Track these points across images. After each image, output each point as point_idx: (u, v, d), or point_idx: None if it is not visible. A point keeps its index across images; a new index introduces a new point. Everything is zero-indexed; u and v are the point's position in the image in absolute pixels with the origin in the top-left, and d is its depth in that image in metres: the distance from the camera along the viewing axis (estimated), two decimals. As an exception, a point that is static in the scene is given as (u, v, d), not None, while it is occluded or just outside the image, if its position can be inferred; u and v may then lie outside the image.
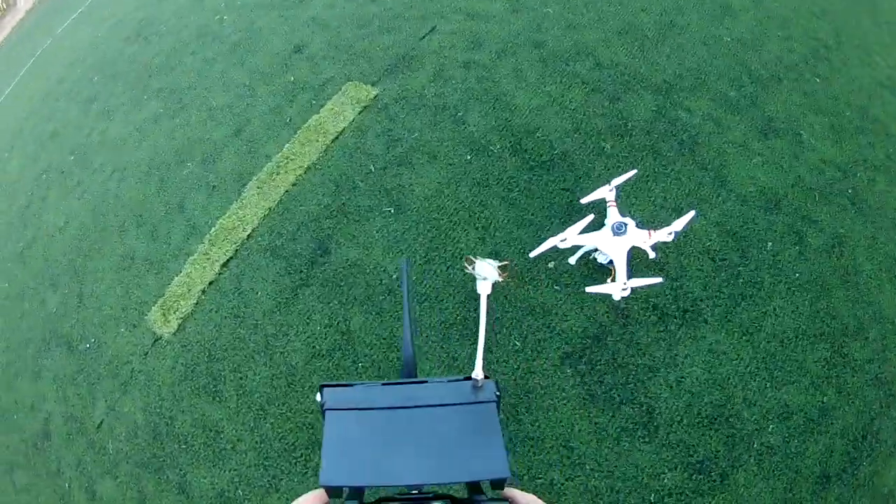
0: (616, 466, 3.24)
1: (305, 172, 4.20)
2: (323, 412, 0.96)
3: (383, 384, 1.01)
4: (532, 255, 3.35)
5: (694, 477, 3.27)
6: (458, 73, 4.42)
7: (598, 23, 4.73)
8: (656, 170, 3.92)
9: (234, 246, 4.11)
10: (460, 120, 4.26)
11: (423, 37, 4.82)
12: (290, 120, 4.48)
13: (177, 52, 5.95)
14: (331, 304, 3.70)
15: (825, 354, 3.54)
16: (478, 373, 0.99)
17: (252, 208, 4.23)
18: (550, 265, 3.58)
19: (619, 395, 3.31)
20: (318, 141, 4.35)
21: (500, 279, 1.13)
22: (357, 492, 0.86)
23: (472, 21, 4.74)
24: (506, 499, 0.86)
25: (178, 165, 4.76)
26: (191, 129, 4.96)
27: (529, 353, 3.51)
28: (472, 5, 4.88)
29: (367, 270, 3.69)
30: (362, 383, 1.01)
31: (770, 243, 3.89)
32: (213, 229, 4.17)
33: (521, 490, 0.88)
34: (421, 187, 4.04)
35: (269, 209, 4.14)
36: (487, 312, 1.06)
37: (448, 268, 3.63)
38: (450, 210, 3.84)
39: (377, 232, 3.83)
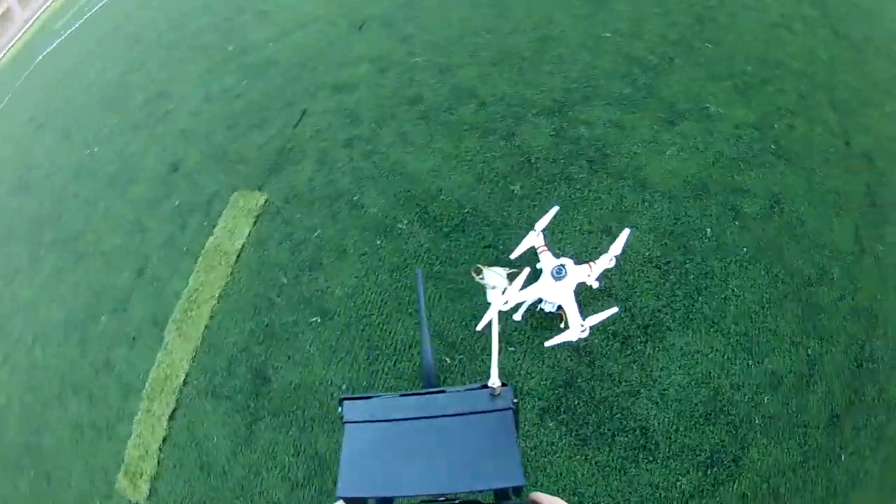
0: (631, 493, 3.27)
1: (219, 302, 4.06)
2: (343, 424, 0.94)
3: (402, 395, 1.00)
4: (479, 327, 3.36)
5: (709, 472, 3.32)
6: (342, 154, 4.38)
7: (471, 59, 4.71)
8: (573, 196, 3.96)
9: (173, 397, 3.96)
10: (358, 204, 4.18)
11: (296, 124, 4.70)
12: (186, 249, 4.35)
13: (59, 198, 5.81)
14: (290, 432, 3.63)
15: (796, 312, 3.66)
16: (494, 381, 0.97)
17: (177, 353, 4.07)
18: (497, 329, 2.82)
19: (609, 429, 3.35)
20: (221, 264, 4.19)
21: (509, 284, 1.17)
22: (385, 501, 0.85)
23: (340, 94, 4.71)
24: (532, 502, 0.85)
25: (93, 321, 4.57)
26: (93, 279, 4.81)
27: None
28: (336, 76, 4.85)
29: (315, 388, 3.65)
30: (381, 395, 1.00)
31: (708, 229, 3.91)
32: (146, 383, 4.05)
33: (547, 494, 0.87)
34: (340, 287, 3.91)
35: (195, 349, 4.00)
36: (498, 321, 1.02)
37: (395, 362, 3.64)
38: (377, 303, 3.82)
39: (310, 346, 3.75)
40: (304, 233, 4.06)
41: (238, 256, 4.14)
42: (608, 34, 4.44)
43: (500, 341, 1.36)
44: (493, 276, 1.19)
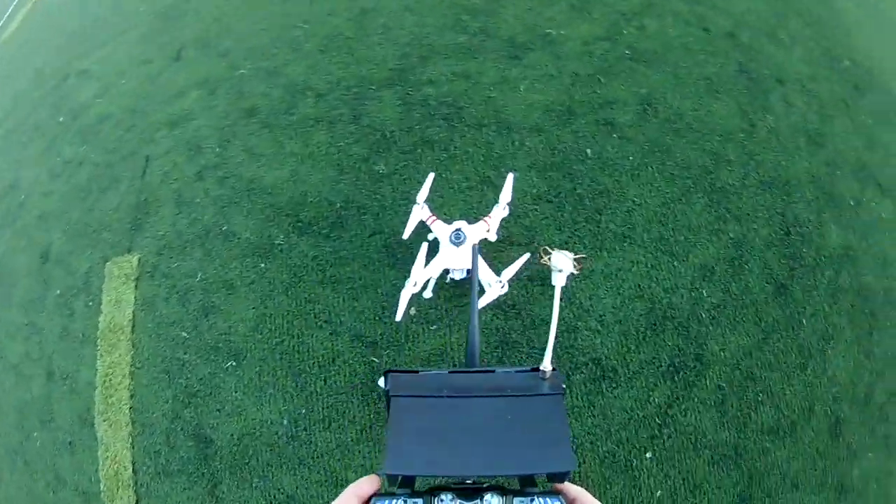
0: (609, 424, 3.18)
1: (132, 379, 3.71)
2: (388, 398, 0.92)
3: (450, 371, 0.96)
4: (398, 319, 3.07)
5: (676, 378, 3.26)
6: (197, 189, 4.03)
7: (295, 53, 4.39)
8: (441, 158, 3.73)
9: (130, 490, 3.61)
10: (229, 234, 3.83)
11: (143, 174, 4.29)
12: (83, 335, 3.93)
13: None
14: (254, 484, 3.33)
15: (704, 202, 3.61)
16: (546, 364, 0.95)
17: (115, 445, 3.71)
18: (412, 312, 3.36)
19: (562, 371, 3.10)
20: (120, 341, 3.85)
21: (576, 271, 1.05)
22: (409, 479, 0.80)
23: (177, 128, 4.32)
24: (557, 491, 0.80)
25: (28, 440, 4.11)
26: (12, 396, 4.32)
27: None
28: (168, 113, 4.45)
29: (258, 432, 3.35)
30: (428, 370, 0.95)
31: (588, 150, 3.73)
32: (101, 486, 3.66)
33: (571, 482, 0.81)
34: (241, 324, 3.57)
35: (130, 436, 3.65)
36: (560, 304, 1.03)
37: (325, 380, 3.38)
38: (283, 327, 3.52)
39: (235, 392, 3.45)
40: (187, 280, 3.73)
41: (132, 327, 3.79)
42: None
43: (556, 326, 1.19)
44: (560, 259, 1.13)
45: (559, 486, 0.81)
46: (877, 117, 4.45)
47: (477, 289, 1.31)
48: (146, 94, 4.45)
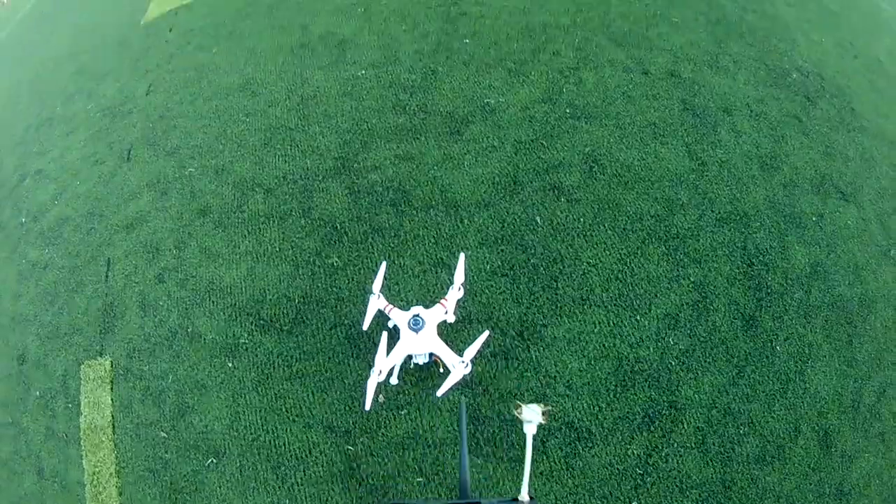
0: (591, 482, 3.04)
1: (119, 477, 3.53)
2: None
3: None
4: (367, 408, 2.98)
5: (653, 428, 3.14)
6: (159, 291, 3.85)
7: (240, 149, 4.18)
8: (393, 244, 3.57)
9: None
10: (195, 335, 3.64)
11: (106, 277, 4.06)
12: (66, 435, 3.76)
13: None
14: None
15: (661, 251, 3.47)
16: (524, 496, 1.00)
17: None
18: (381, 399, 3.22)
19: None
20: (103, 441, 3.68)
21: (544, 421, 1.14)
22: None
23: (134, 231, 4.14)
24: None
25: None
26: (5, 491, 4.08)
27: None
28: (125, 215, 4.25)
29: None
30: (419, 502, 1.14)
31: (538, 218, 3.56)
32: None
33: None
34: (217, 422, 3.41)
35: None
36: (532, 447, 1.11)
37: (304, 470, 3.21)
38: (258, 423, 3.35)
39: (220, 488, 3.28)
40: (159, 382, 3.60)
41: (113, 428, 3.66)
42: (362, 71, 4.18)
43: (531, 463, 1.23)
44: (529, 412, 1.22)
45: None
46: (832, 123, 4.38)
47: (465, 427, 1.42)
48: (101, 196, 4.35)
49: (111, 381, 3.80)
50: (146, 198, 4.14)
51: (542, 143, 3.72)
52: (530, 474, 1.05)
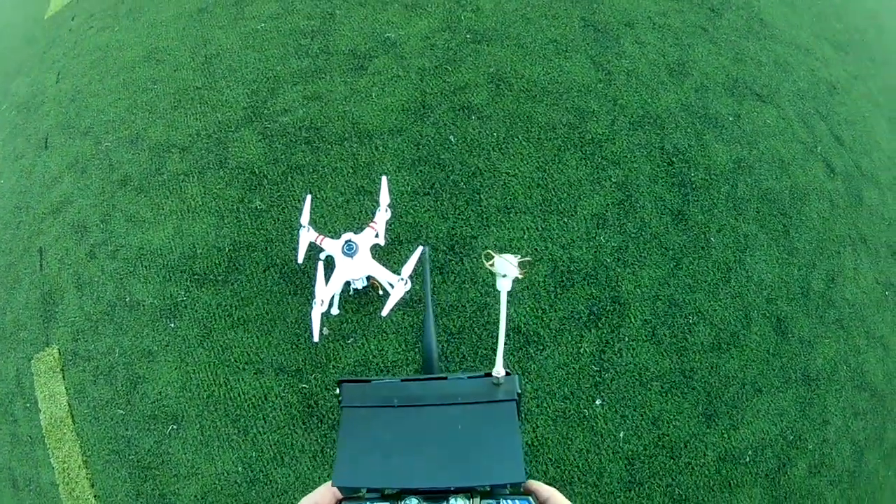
0: (548, 384, 2.76)
1: (87, 468, 3.11)
2: (341, 408, 0.80)
3: (402, 380, 0.80)
4: (315, 339, 2.72)
5: (600, 324, 2.86)
6: (92, 268, 3.40)
7: (152, 115, 3.70)
8: (313, 180, 3.19)
9: None
10: (133, 304, 3.22)
11: (41, 266, 3.58)
12: (30, 437, 3.38)
13: None
14: None
15: (578, 156, 3.16)
16: (498, 370, 0.79)
17: None
18: (325, 332, 2.94)
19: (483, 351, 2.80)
20: (66, 434, 3.30)
21: (521, 276, 0.84)
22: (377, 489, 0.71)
23: (60, 214, 3.66)
24: (528, 492, 0.69)
25: None
26: None
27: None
28: (49, 201, 3.73)
29: (217, 487, 2.82)
30: (381, 379, 0.81)
31: (451, 137, 3.21)
32: None
33: (543, 482, 0.73)
34: (170, 387, 3.02)
35: None
36: (507, 308, 0.86)
37: (264, 417, 2.87)
38: (210, 380, 2.97)
39: (185, 454, 2.91)
40: (107, 359, 3.26)
41: (72, 417, 3.30)
42: (262, 24, 3.95)
43: (505, 328, 0.80)
44: (504, 264, 0.82)
45: (530, 486, 0.71)
46: (740, 32, 4.22)
47: (430, 292, 1.09)
48: (25, 188, 4.05)
49: (62, 369, 3.50)
50: (67, 180, 3.93)
51: (446, 69, 3.64)
52: (504, 345, 0.79)
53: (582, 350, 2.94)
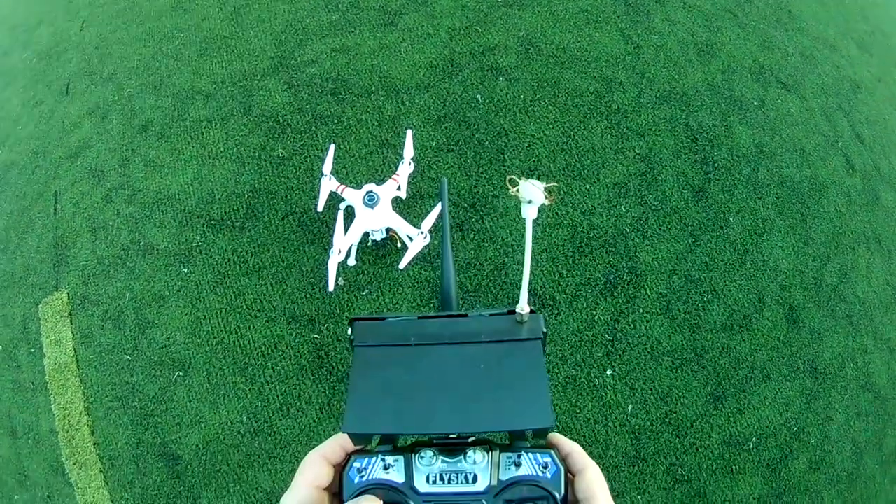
0: (562, 349, 2.70)
1: (89, 414, 3.06)
2: (352, 348, 0.73)
3: (419, 317, 0.74)
4: (331, 289, 2.66)
5: (616, 293, 2.79)
6: (108, 212, 3.32)
7: (178, 63, 3.61)
8: (337, 131, 3.12)
9: None
10: (148, 248, 3.17)
11: (55, 210, 3.48)
12: (33, 384, 3.31)
13: None
14: (230, 489, 2.75)
15: (603, 125, 3.07)
16: (522, 306, 0.73)
17: (92, 487, 3.03)
18: (341, 282, 2.86)
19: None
20: (69, 380, 3.20)
21: (548, 202, 0.75)
22: (389, 436, 0.65)
23: (79, 158, 3.53)
24: (550, 446, 0.64)
25: (10, 502, 3.40)
26: None
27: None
28: (68, 145, 3.63)
29: (221, 436, 2.78)
30: (396, 316, 0.74)
31: (478, 97, 3.13)
32: None
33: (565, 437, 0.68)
34: (179, 333, 2.95)
35: (102, 473, 2.99)
36: (532, 239, 0.78)
37: (273, 366, 2.82)
38: (221, 327, 2.90)
39: (190, 401, 2.85)
40: (116, 303, 3.20)
41: (77, 363, 3.23)
42: None
43: (530, 263, 0.69)
44: (529, 189, 0.69)
45: (552, 439, 0.65)
46: (769, 21, 4.13)
47: (448, 225, 0.87)
48: (43, 134, 3.97)
49: (70, 314, 3.42)
50: (87, 125, 3.89)
51: (476, 29, 3.57)
52: (529, 279, 0.80)
53: (596, 318, 2.89)
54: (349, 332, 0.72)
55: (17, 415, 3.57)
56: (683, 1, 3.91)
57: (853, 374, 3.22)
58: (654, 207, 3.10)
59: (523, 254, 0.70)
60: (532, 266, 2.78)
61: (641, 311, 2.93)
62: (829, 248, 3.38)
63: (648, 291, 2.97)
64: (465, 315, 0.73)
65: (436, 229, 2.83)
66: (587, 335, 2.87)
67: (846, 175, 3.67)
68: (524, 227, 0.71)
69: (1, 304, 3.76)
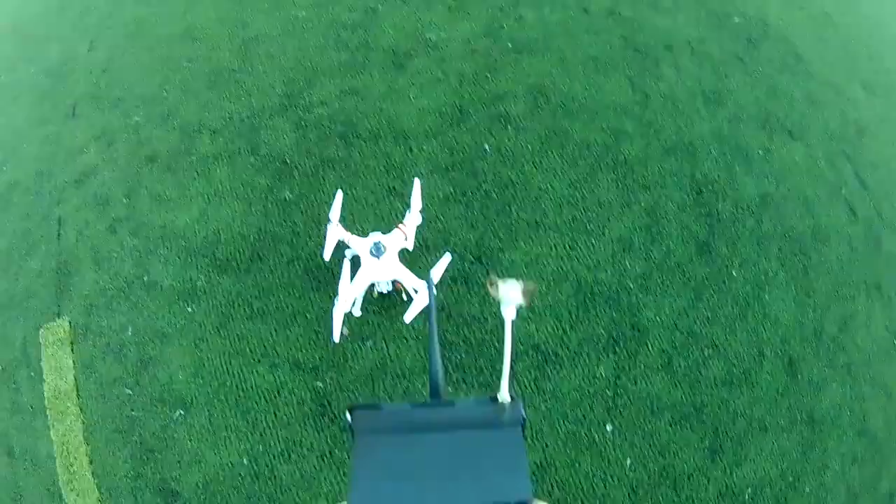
0: (561, 405, 2.63)
1: (88, 444, 2.94)
2: (352, 434, 0.81)
3: (412, 406, 0.85)
4: (336, 339, 2.59)
5: (618, 349, 2.74)
6: (112, 242, 3.23)
7: (185, 94, 3.52)
8: (345, 176, 3.05)
9: None
10: (151, 284, 3.07)
11: (58, 235, 3.38)
12: (31, 407, 3.19)
13: None
14: None
15: (611, 178, 3.04)
16: (504, 395, 0.82)
17: None
18: (345, 332, 2.74)
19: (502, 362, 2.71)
20: (68, 407, 3.11)
21: (525, 303, 0.86)
22: None
23: (83, 185, 3.44)
24: None
25: None
26: None
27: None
28: (73, 170, 3.51)
29: (221, 477, 2.68)
30: (391, 405, 0.87)
31: (486, 146, 3.11)
32: None
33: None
34: (181, 371, 2.87)
35: (99, 501, 2.87)
36: (512, 336, 0.88)
37: (275, 412, 2.74)
38: (222, 368, 2.81)
39: (190, 440, 2.75)
40: (119, 336, 3.11)
41: (77, 392, 3.15)
42: (303, 13, 3.72)
43: (511, 356, 0.86)
44: (507, 290, 0.80)
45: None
46: (775, 66, 4.13)
47: (435, 321, 0.94)
48: (48, 155, 3.85)
49: (71, 342, 3.34)
50: (93, 151, 3.83)
51: (485, 76, 3.52)
52: (511, 370, 0.79)
53: (598, 374, 2.86)
54: (348, 416, 0.80)
55: (14, 435, 3.47)
56: (692, 47, 3.87)
57: (849, 421, 3.20)
58: (657, 262, 3.07)
59: (503, 345, 0.79)
60: (536, 321, 2.74)
61: (643, 366, 2.90)
62: (829, 299, 3.35)
63: (650, 347, 2.93)
64: (453, 404, 0.83)
65: (441, 282, 2.79)
66: (588, 391, 2.83)
67: (848, 223, 3.65)
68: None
69: (1, 325, 3.64)
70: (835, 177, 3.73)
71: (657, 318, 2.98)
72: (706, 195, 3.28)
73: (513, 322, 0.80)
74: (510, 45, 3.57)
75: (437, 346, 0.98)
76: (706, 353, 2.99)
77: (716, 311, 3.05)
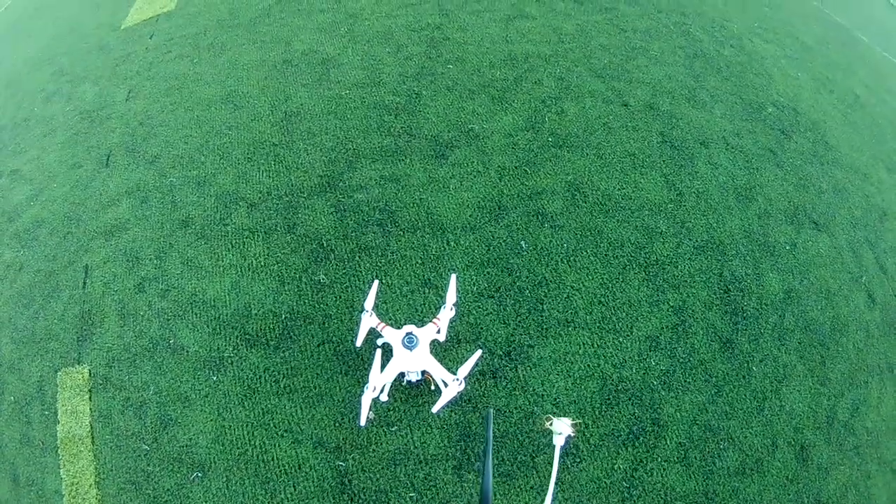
0: (579, 495, 2.58)
1: (99, 489, 2.89)
2: None
3: None
4: (362, 423, 2.57)
5: (637, 444, 2.72)
6: (140, 301, 3.20)
7: (223, 161, 3.43)
8: (380, 263, 3.02)
9: None
10: (177, 347, 3.04)
11: (84, 284, 3.38)
12: (42, 444, 3.15)
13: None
14: None
15: (641, 276, 3.00)
16: None
17: None
18: (371, 416, 2.78)
19: (526, 455, 2.63)
20: (82, 451, 3.07)
21: (573, 433, 0.97)
22: None
23: (113, 238, 3.41)
24: None
25: None
26: None
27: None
28: (103, 221, 3.48)
29: None
30: None
31: (522, 242, 3.10)
32: None
33: None
34: (202, 435, 2.85)
35: None
36: (559, 460, 0.99)
37: (295, 486, 2.64)
38: (244, 437, 2.78)
39: (205, 503, 2.70)
40: (140, 393, 3.12)
41: (92, 438, 3.11)
42: (347, 91, 3.80)
43: (556, 478, 1.08)
44: (560, 425, 0.97)
45: None
46: (806, 156, 4.19)
47: (491, 441, 0.98)
48: (79, 200, 3.87)
49: (89, 391, 3.32)
50: (125, 205, 3.85)
51: (525, 170, 3.55)
52: (555, 489, 0.90)
53: (616, 466, 2.88)
54: None
55: (21, 465, 3.45)
56: (727, 141, 3.91)
57: (855, 499, 3.24)
58: (681, 360, 3.10)
59: (550, 471, 0.76)
60: (560, 415, 2.68)
61: (660, 459, 2.93)
62: (843, 386, 3.39)
63: (668, 441, 2.97)
64: None
65: (470, 376, 2.81)
66: (605, 483, 2.85)
67: (867, 310, 3.68)
68: (552, 451, 0.74)
69: (18, 358, 3.63)
70: (856, 266, 3.78)
71: (677, 413, 3.02)
72: (733, 293, 3.30)
73: (561, 448, 0.79)
74: (550, 139, 3.60)
75: (490, 461, 0.97)
76: (721, 446, 3.03)
77: (734, 405, 3.08)
